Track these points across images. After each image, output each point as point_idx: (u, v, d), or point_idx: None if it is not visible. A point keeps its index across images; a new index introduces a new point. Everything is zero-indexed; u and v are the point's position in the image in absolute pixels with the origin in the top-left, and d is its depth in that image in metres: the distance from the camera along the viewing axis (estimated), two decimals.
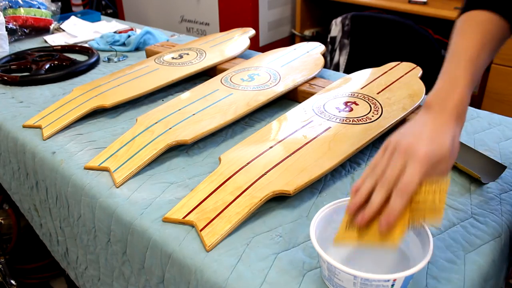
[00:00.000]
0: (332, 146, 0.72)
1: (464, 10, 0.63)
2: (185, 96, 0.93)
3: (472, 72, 0.55)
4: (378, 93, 0.88)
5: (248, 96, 0.90)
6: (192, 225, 0.61)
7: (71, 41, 1.42)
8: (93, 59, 1.21)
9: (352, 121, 0.79)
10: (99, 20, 1.67)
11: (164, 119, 0.83)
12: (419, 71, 0.97)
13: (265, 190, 0.63)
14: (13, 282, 1.31)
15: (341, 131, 0.76)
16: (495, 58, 1.68)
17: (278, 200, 0.65)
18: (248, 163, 0.69)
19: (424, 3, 1.94)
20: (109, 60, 1.25)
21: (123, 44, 1.35)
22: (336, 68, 1.88)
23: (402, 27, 1.66)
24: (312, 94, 0.92)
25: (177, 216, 0.62)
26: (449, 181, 0.50)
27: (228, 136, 0.84)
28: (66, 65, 1.18)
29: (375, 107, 0.83)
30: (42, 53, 1.25)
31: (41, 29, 1.51)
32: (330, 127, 0.77)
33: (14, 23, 1.42)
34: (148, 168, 0.74)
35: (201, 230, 0.59)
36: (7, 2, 1.43)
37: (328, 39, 1.88)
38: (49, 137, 0.85)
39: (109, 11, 3.12)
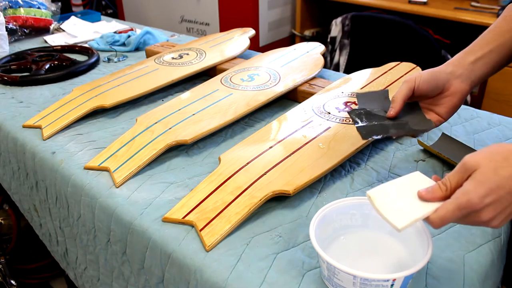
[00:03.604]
0: (332, 146, 0.72)
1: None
2: (185, 96, 0.93)
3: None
4: None
5: (248, 96, 0.90)
6: (191, 225, 0.61)
7: (71, 41, 1.42)
8: (93, 59, 1.21)
9: (352, 121, 0.79)
10: (99, 20, 1.67)
11: (164, 119, 0.83)
12: (419, 71, 0.96)
13: (265, 190, 0.63)
14: (13, 282, 1.31)
15: (341, 131, 0.76)
16: None
17: (278, 200, 0.65)
18: (248, 163, 0.69)
19: (424, 3, 1.94)
20: (109, 60, 1.25)
21: (123, 44, 1.35)
22: (336, 68, 1.88)
23: (402, 27, 1.66)
24: (312, 94, 0.92)
25: (177, 216, 0.62)
26: None
27: (228, 136, 0.84)
28: (66, 65, 1.18)
29: None
30: (42, 53, 1.25)
31: (41, 29, 1.51)
32: (330, 127, 0.77)
33: (14, 23, 1.42)
34: (148, 168, 0.74)
35: (200, 230, 0.59)
36: (7, 2, 1.43)
37: (328, 39, 1.88)
38: (49, 137, 0.85)
39: (109, 11, 3.13)
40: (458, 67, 0.64)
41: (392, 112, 0.64)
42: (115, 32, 1.41)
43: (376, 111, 0.65)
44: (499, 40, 0.64)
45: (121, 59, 1.26)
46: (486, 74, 0.65)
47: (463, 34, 1.69)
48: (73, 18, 1.59)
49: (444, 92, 0.63)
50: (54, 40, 1.44)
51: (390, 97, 0.66)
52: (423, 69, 0.97)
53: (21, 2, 1.46)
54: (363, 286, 0.46)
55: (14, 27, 1.42)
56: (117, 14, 3.00)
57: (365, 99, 0.68)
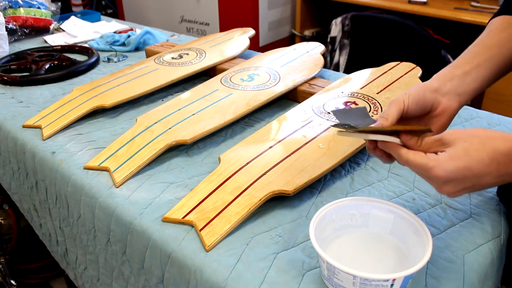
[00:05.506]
0: (332, 146, 0.72)
1: (497, 14, 0.66)
2: (185, 96, 0.93)
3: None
4: (377, 93, 0.88)
5: (248, 96, 0.90)
6: (191, 225, 0.61)
7: (71, 41, 1.42)
8: (93, 59, 1.21)
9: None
10: (99, 20, 1.67)
11: (164, 119, 0.83)
12: (418, 71, 0.97)
13: (264, 190, 0.63)
14: (13, 282, 1.31)
15: None
16: None
17: (278, 200, 0.65)
18: (247, 163, 0.69)
19: (424, 3, 1.94)
20: (109, 60, 1.25)
21: (123, 44, 1.35)
22: (336, 68, 1.88)
23: (402, 27, 1.66)
24: (312, 94, 0.92)
25: (177, 216, 0.62)
26: None
27: (228, 136, 0.84)
28: (66, 65, 1.18)
29: (375, 107, 0.83)
30: (42, 53, 1.25)
31: (41, 29, 1.51)
32: (330, 127, 0.77)
33: (14, 23, 1.42)
34: (148, 168, 0.74)
35: (200, 230, 0.59)
36: (7, 2, 1.43)
37: (328, 39, 1.88)
38: (49, 137, 0.85)
39: (109, 11, 3.13)
40: (445, 83, 0.59)
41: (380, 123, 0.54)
42: (115, 32, 1.41)
43: (361, 127, 0.55)
44: (486, 54, 0.61)
45: (121, 59, 1.26)
46: (475, 89, 0.61)
47: (463, 34, 1.69)
48: (73, 18, 1.59)
49: (432, 112, 0.59)
50: (54, 40, 1.44)
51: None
52: (423, 69, 0.97)
53: (21, 2, 1.46)
54: (363, 286, 0.46)
55: (14, 27, 1.42)
56: (117, 14, 3.00)
57: (344, 116, 0.58)
